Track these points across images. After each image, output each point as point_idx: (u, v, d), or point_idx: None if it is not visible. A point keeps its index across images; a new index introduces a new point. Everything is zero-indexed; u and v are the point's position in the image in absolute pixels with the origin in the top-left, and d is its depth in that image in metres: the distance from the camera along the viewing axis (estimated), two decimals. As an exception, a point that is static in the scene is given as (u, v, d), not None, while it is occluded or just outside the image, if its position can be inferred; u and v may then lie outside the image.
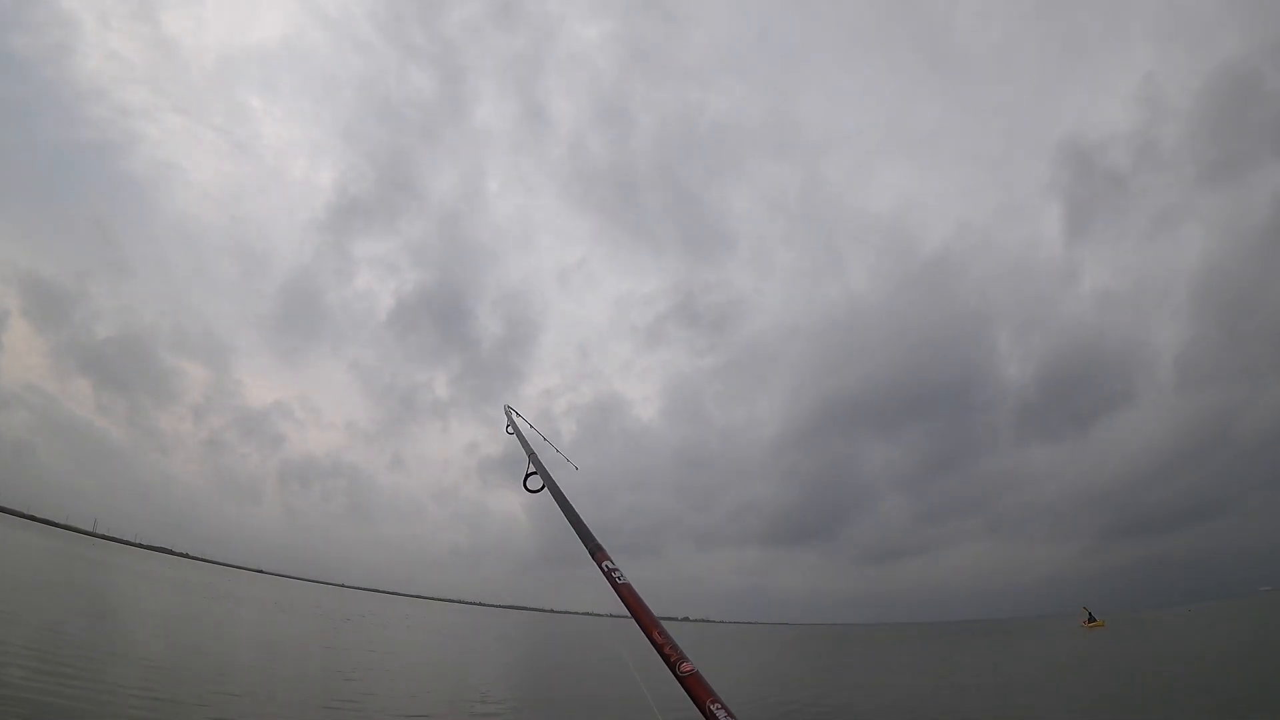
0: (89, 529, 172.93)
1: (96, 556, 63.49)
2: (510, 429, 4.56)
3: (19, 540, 57.61)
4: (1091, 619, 52.16)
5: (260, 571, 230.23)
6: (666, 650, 1.77)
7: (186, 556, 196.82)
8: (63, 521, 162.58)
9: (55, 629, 13.22)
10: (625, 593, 2.09)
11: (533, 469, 3.38)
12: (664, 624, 1.94)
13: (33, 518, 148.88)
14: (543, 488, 3.23)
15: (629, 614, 2.01)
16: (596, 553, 2.34)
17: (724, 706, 1.61)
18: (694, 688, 1.65)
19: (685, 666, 1.71)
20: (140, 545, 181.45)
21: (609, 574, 2.21)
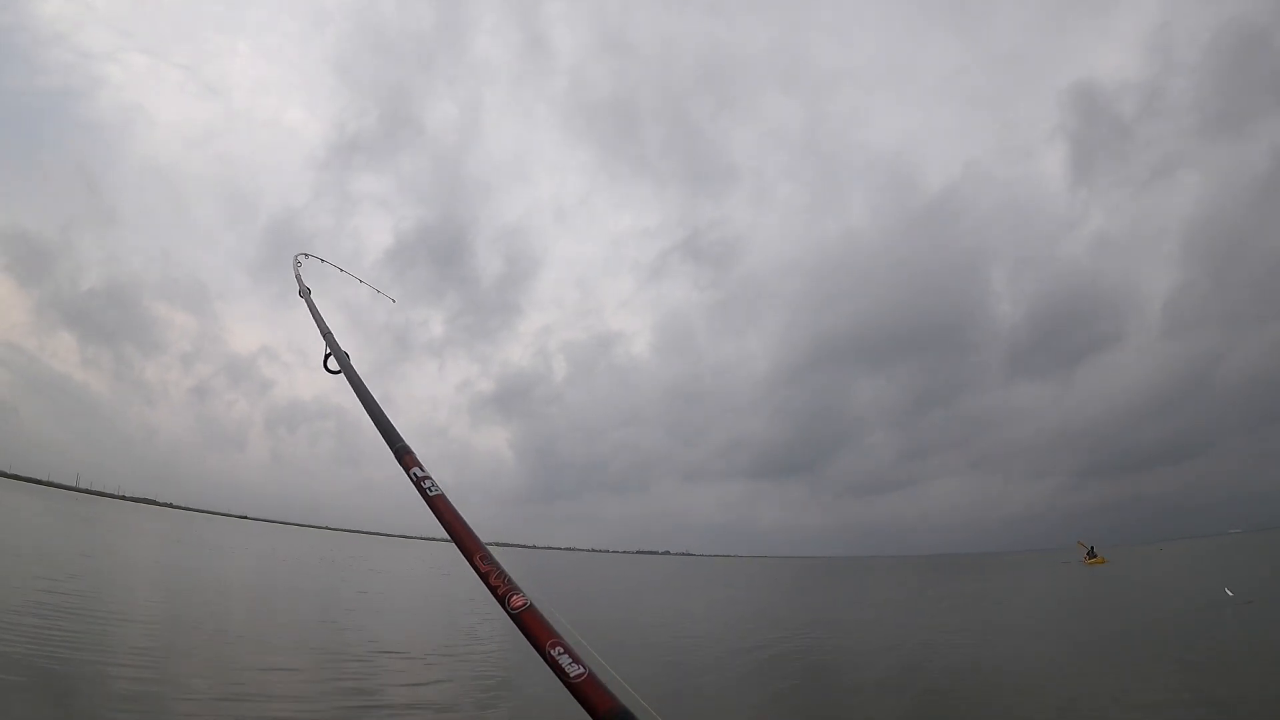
0: (72, 484, 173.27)
1: (80, 512, 64.04)
2: (303, 291, 3.54)
3: (1, 500, 58.02)
4: (1092, 554, 50.98)
5: (246, 518, 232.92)
6: (493, 580, 1.49)
7: (171, 506, 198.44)
8: (46, 479, 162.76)
9: (47, 588, 13.37)
10: (440, 507, 1.72)
11: (329, 349, 2.78)
12: (495, 551, 1.61)
13: (15, 476, 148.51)
14: (339, 371, 2.67)
15: (446, 535, 1.67)
16: (404, 455, 1.94)
17: (566, 648, 1.32)
18: (530, 625, 1.39)
19: (516, 600, 1.43)
20: (124, 498, 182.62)
21: (418, 483, 1.82)
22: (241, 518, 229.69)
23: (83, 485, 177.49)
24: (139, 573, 20.99)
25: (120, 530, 45.36)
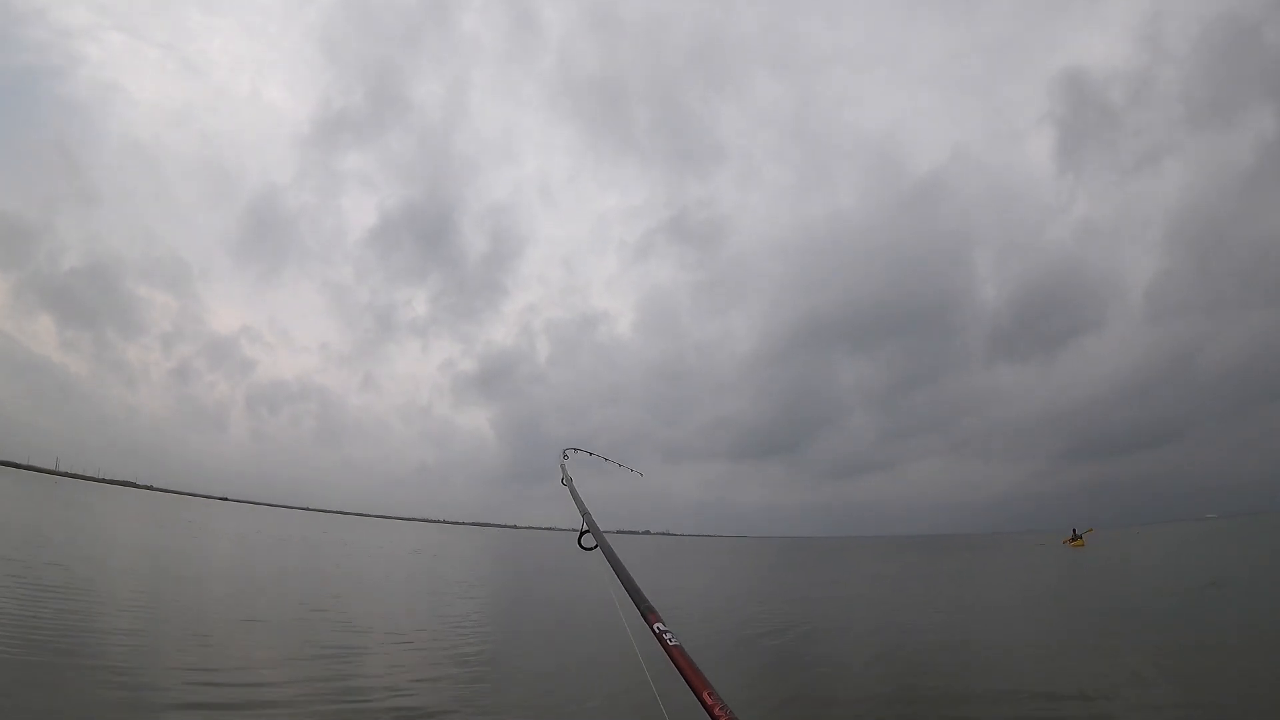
0: (51, 468, 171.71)
1: (60, 495, 64.36)
2: (565, 480, 4.11)
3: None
4: (1075, 536, 52.08)
5: (225, 499, 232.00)
6: (717, 712, 1.74)
7: (150, 489, 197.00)
8: (24, 463, 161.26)
9: (28, 574, 13.56)
10: (677, 655, 2.01)
11: (586, 527, 3.22)
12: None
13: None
14: (595, 547, 3.07)
15: (680, 676, 1.92)
16: (648, 614, 2.26)
17: None
18: None
19: None
20: (104, 480, 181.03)
21: (660, 636, 2.13)
22: (221, 499, 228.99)
23: (63, 468, 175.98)
24: (117, 556, 21.26)
25: (99, 513, 45.44)
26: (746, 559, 56.19)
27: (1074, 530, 54.23)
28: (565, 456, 4.55)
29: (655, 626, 2.15)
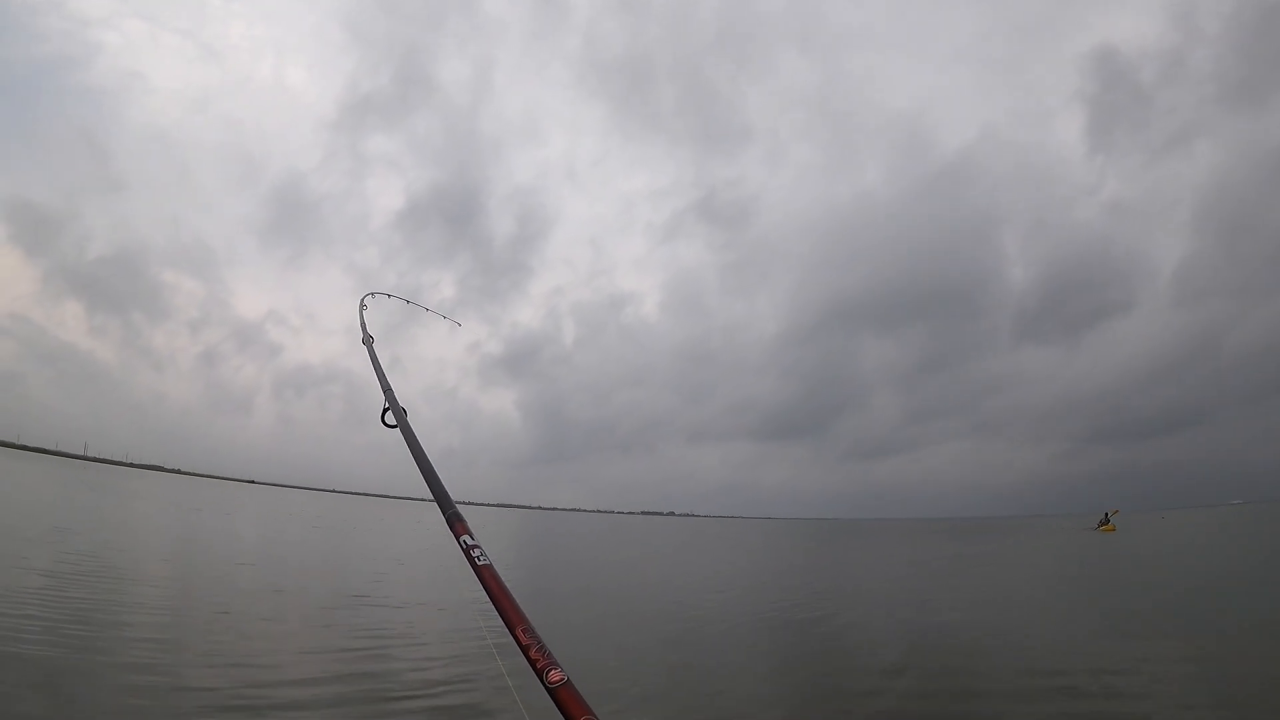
0: (80, 453, 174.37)
1: (89, 479, 64.58)
2: (366, 339, 3.33)
3: (10, 470, 58.17)
4: (1106, 521, 51.12)
5: (253, 482, 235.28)
6: (533, 654, 1.46)
7: (178, 472, 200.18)
8: (53, 448, 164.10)
9: (60, 558, 13.45)
10: (487, 577, 1.67)
11: (388, 403, 2.61)
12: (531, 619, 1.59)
13: (23, 446, 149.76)
14: (396, 426, 2.51)
15: (490, 602, 1.64)
16: (455, 523, 1.89)
17: None
18: (565, 702, 1.36)
19: (554, 675, 1.39)
20: (132, 465, 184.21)
21: (468, 551, 1.77)
22: (249, 482, 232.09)
23: (90, 453, 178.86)
24: (142, 540, 20.57)
25: (125, 496, 45.24)
26: (773, 542, 55.14)
27: (1106, 514, 53.34)
28: (364, 306, 3.61)
29: (463, 540, 1.82)
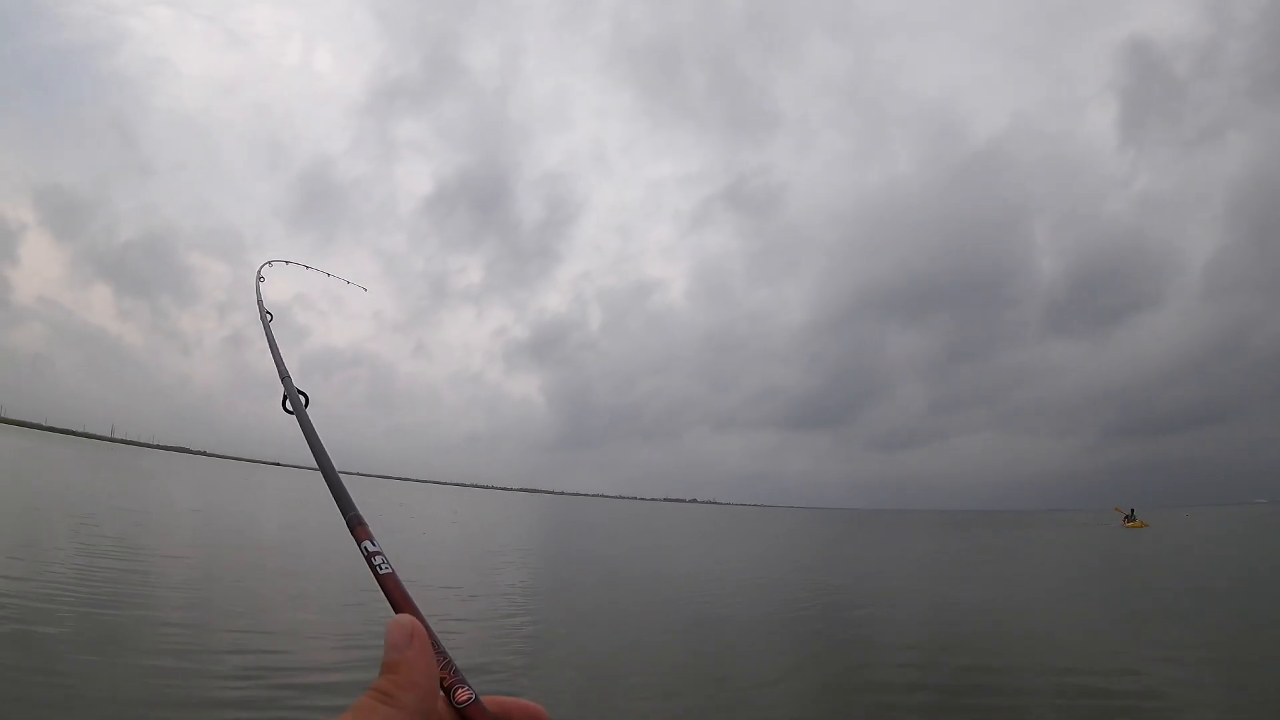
0: (107, 435, 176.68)
1: (114, 461, 65.27)
2: (264, 316, 2.40)
3: (39, 452, 58.47)
4: (1131, 518, 50.94)
5: (277, 464, 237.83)
6: (441, 673, 1.05)
7: (204, 454, 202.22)
8: (81, 430, 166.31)
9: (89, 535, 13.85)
10: (390, 586, 1.14)
11: (287, 391, 1.76)
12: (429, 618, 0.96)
13: (51, 428, 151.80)
14: (294, 413, 1.69)
15: (391, 609, 1.08)
16: (356, 527, 1.27)
17: None
18: None
19: (462, 694, 1.03)
20: (158, 446, 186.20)
21: (369, 558, 1.22)
22: (274, 464, 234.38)
23: (118, 435, 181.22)
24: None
25: (147, 477, 44.90)
26: (797, 531, 53.48)
27: (1132, 510, 53.35)
28: (261, 277, 2.55)
29: (364, 545, 1.38)
